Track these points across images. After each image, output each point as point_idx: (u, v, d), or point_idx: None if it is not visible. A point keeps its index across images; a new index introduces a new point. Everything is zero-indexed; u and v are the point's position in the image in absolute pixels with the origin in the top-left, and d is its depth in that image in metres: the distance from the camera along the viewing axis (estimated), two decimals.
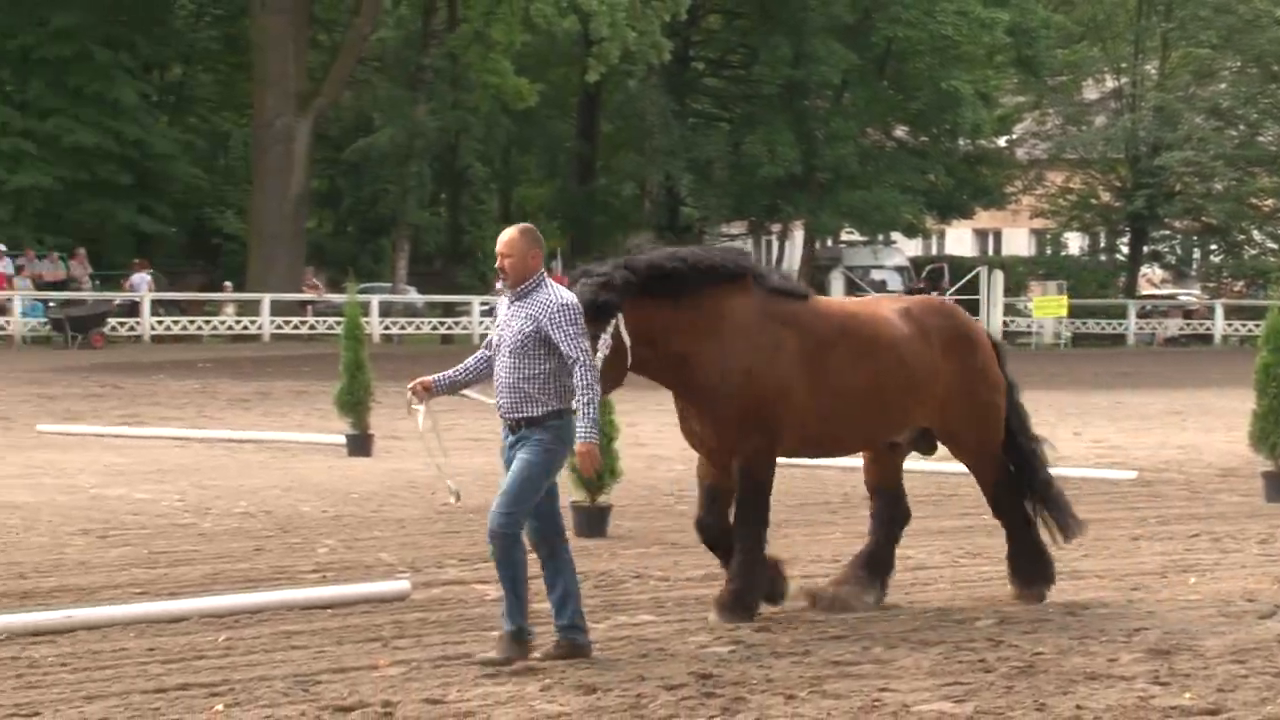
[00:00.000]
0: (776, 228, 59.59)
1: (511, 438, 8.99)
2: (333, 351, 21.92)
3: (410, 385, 9.23)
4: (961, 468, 19.08)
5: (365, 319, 27.18)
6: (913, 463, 18.97)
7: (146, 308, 42.91)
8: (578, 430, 8.84)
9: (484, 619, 10.23)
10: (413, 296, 50.81)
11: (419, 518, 14.71)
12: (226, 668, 8.82)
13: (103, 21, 47.91)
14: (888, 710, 8.02)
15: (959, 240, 69.33)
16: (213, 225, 56.19)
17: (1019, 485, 11.02)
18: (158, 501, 15.51)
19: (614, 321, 9.60)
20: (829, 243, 59.57)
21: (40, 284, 42.83)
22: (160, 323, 43.05)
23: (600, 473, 11.58)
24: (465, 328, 47.84)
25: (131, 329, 42.48)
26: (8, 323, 40.82)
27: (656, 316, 9.83)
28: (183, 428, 22.54)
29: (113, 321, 41.74)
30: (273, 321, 44.71)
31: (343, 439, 20.18)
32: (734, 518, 10.20)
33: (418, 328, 48.86)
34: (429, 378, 9.28)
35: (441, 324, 49.07)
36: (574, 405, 8.85)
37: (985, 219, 64.00)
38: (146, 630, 9.82)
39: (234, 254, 52.70)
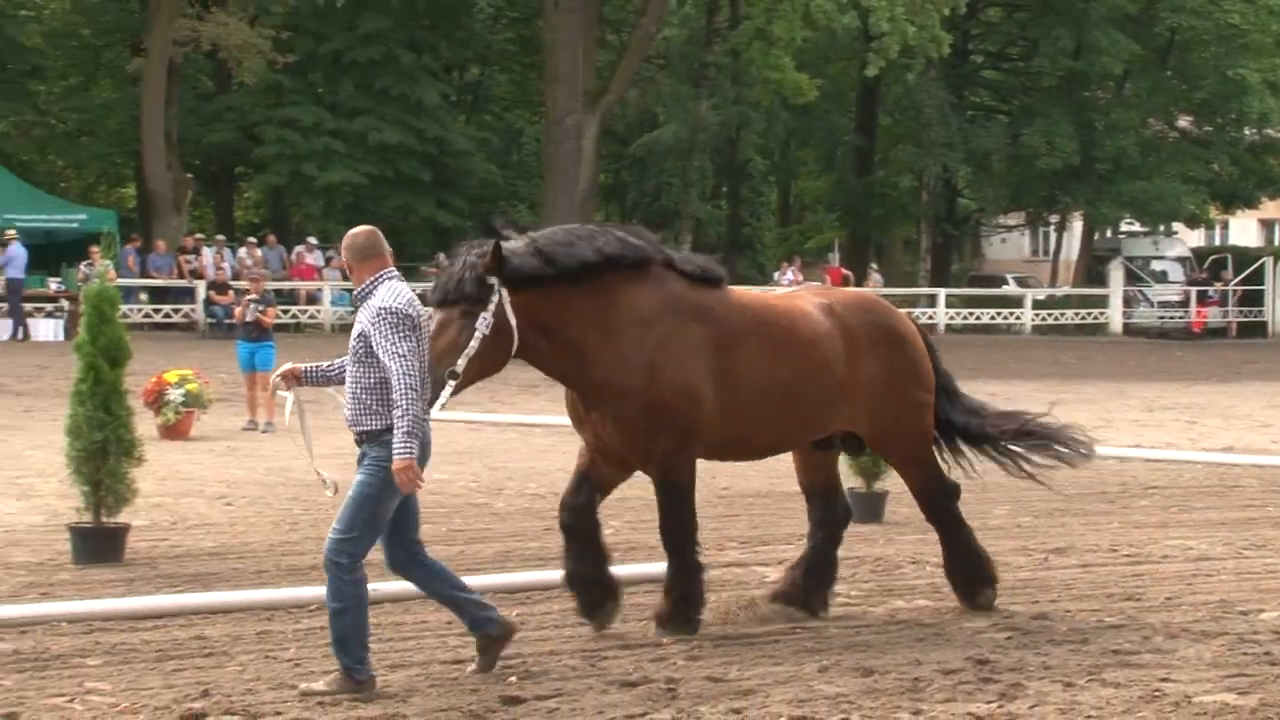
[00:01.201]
0: (1054, 218, 58.74)
1: (359, 452, 8.29)
2: None
3: (280, 371, 8.62)
4: (1244, 459, 18.78)
5: None
6: (1195, 454, 18.81)
7: None
8: (394, 446, 8.02)
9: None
10: None
11: (700, 502, 14.85)
12: (518, 642, 8.97)
13: (408, 25, 49.49)
14: (1169, 701, 7.93)
15: (1243, 230, 67.26)
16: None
17: (952, 491, 10.31)
18: (454, 482, 16.04)
19: (495, 299, 8.94)
20: (1108, 233, 58.44)
21: (347, 275, 44.20)
22: None
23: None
24: None
25: None
26: (319, 311, 42.58)
27: (550, 302, 9.12)
28: (476, 412, 22.87)
29: None
30: None
31: None
32: (660, 527, 9.65)
33: None
34: (299, 366, 8.64)
35: None
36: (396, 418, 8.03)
37: (1272, 209, 62.00)
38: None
39: None
